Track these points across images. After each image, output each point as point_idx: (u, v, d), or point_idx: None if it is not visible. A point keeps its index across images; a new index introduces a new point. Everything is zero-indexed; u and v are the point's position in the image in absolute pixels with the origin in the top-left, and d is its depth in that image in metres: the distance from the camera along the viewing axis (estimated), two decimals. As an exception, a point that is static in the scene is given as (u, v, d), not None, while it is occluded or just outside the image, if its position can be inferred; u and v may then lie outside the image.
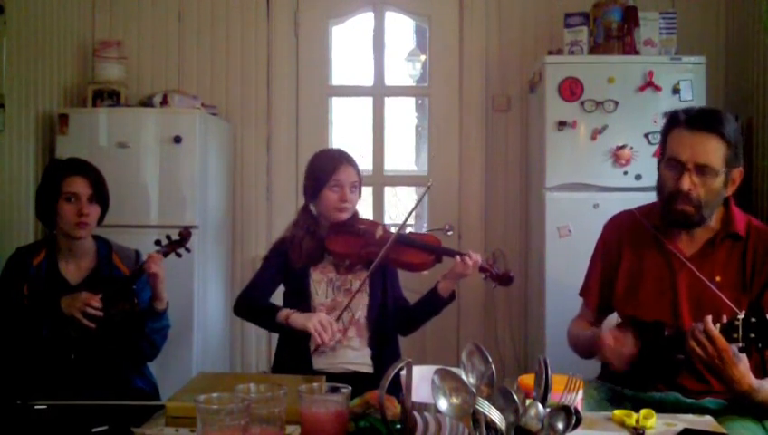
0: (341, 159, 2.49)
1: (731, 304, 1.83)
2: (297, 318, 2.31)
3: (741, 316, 1.66)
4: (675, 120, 1.98)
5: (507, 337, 3.88)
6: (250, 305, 2.47)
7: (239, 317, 2.56)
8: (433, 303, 2.46)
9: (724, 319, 1.71)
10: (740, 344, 1.67)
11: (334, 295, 2.44)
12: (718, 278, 1.94)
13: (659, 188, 2.01)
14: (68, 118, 3.37)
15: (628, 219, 2.15)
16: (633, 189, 3.10)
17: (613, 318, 2.15)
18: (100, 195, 2.42)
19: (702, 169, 1.90)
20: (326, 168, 2.47)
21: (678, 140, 1.94)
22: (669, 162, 1.95)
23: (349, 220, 2.50)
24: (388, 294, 2.50)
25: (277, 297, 2.53)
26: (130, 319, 2.33)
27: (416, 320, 2.56)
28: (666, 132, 2.01)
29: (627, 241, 2.11)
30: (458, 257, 2.36)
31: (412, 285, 2.70)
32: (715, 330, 1.70)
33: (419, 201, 2.67)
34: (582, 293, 2.24)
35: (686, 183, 1.91)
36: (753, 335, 1.65)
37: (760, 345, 1.67)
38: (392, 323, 2.51)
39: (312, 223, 2.52)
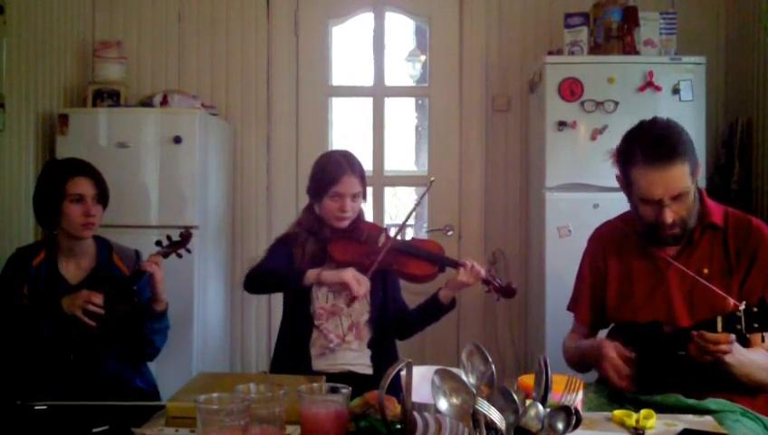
0: (345, 167, 2.45)
1: (724, 294, 1.84)
2: (329, 274, 2.33)
3: (742, 307, 1.67)
4: (632, 158, 1.95)
5: (507, 337, 3.88)
6: (270, 272, 2.43)
7: (250, 291, 2.49)
8: (433, 310, 2.47)
9: (725, 311, 1.72)
10: (744, 333, 1.68)
11: (334, 300, 2.43)
12: (706, 270, 1.96)
13: (638, 217, 2.01)
14: (68, 118, 3.37)
15: (611, 229, 2.17)
16: (633, 189, 3.10)
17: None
18: (104, 195, 2.42)
19: (677, 196, 1.91)
20: (328, 176, 2.44)
21: (645, 179, 1.92)
22: (645, 201, 1.95)
23: (351, 225, 2.49)
24: (388, 296, 2.50)
25: (278, 296, 2.53)
26: (131, 319, 2.33)
27: (414, 325, 2.56)
28: (625, 165, 1.98)
29: (612, 251, 2.12)
30: (461, 269, 2.38)
31: (412, 287, 2.69)
32: (722, 339, 1.70)
33: (420, 199, 2.67)
34: (572, 308, 2.24)
35: (668, 217, 1.92)
36: (756, 325, 1.66)
37: (763, 334, 1.69)
38: (391, 326, 2.51)
39: (314, 224, 2.51)
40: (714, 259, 1.98)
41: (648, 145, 1.91)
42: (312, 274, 2.34)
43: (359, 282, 2.31)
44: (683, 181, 1.90)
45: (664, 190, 1.90)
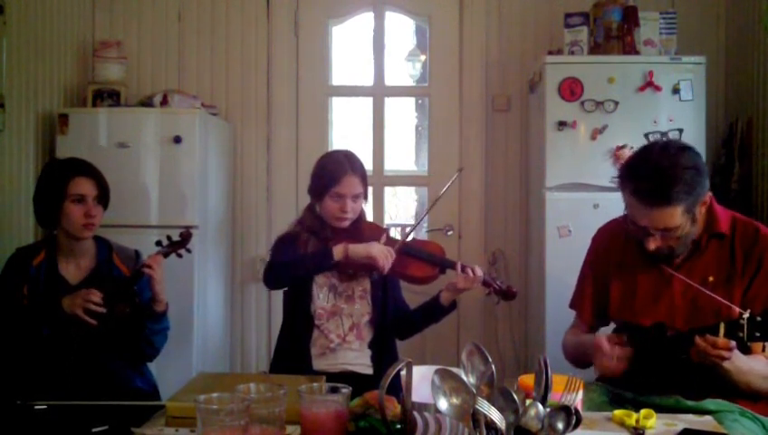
0: (346, 167, 2.44)
1: (729, 303, 1.83)
2: (356, 248, 2.35)
3: (746, 315, 1.67)
4: (625, 187, 1.92)
5: (507, 337, 3.88)
6: (296, 260, 2.40)
7: (273, 286, 2.49)
8: (434, 311, 2.47)
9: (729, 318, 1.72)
10: (745, 341, 1.68)
11: (335, 301, 2.44)
12: (711, 278, 1.94)
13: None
14: (68, 118, 3.37)
15: (617, 229, 2.14)
16: (633, 189, 3.10)
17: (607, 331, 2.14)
18: (105, 195, 2.42)
19: (665, 230, 1.88)
20: (329, 176, 2.44)
21: (633, 207, 1.90)
22: (632, 222, 1.93)
23: (352, 226, 2.48)
24: (388, 296, 2.51)
25: (278, 296, 2.52)
26: (131, 319, 2.33)
27: (415, 326, 2.56)
28: (621, 186, 1.95)
29: (616, 250, 2.11)
30: (460, 271, 2.38)
31: (413, 287, 2.69)
32: (721, 344, 1.70)
33: (447, 187, 2.65)
34: (574, 305, 2.23)
35: (651, 245, 1.90)
36: (758, 334, 1.65)
37: (765, 343, 1.68)
38: (392, 326, 2.51)
39: (316, 223, 2.51)
40: (719, 266, 1.96)
41: (641, 185, 1.86)
42: (339, 249, 2.34)
43: (386, 256, 2.33)
44: (672, 221, 1.86)
45: (649, 223, 1.88)
